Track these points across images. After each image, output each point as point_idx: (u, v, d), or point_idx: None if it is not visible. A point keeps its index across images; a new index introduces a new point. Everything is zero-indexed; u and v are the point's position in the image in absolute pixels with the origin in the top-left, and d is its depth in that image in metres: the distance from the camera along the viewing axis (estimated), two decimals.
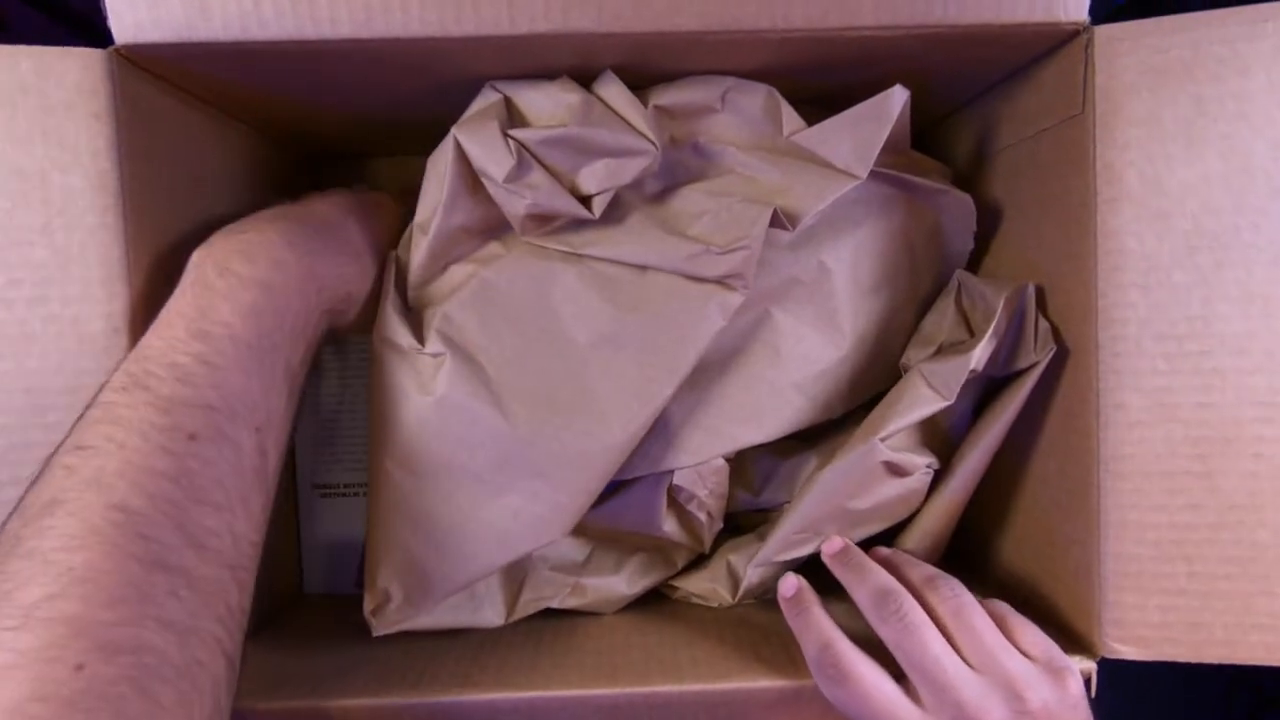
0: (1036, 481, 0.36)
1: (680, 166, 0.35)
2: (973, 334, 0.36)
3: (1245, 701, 0.48)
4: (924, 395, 0.34)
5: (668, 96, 0.34)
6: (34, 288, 0.29)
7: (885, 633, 0.30)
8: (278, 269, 0.29)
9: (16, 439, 0.29)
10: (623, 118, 0.33)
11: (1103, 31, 0.30)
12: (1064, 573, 0.34)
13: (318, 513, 0.45)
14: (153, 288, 0.31)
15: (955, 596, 0.30)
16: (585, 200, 0.33)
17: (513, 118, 0.33)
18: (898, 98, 0.33)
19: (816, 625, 0.31)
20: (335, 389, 0.45)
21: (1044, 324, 0.34)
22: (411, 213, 0.35)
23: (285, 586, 0.43)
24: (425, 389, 0.32)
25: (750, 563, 0.37)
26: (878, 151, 0.33)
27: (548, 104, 0.33)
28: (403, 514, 0.33)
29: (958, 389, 0.33)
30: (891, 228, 0.37)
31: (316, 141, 0.46)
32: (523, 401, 0.33)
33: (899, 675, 0.29)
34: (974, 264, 0.40)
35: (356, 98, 0.37)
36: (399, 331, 0.33)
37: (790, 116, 0.34)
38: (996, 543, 0.40)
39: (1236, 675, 0.33)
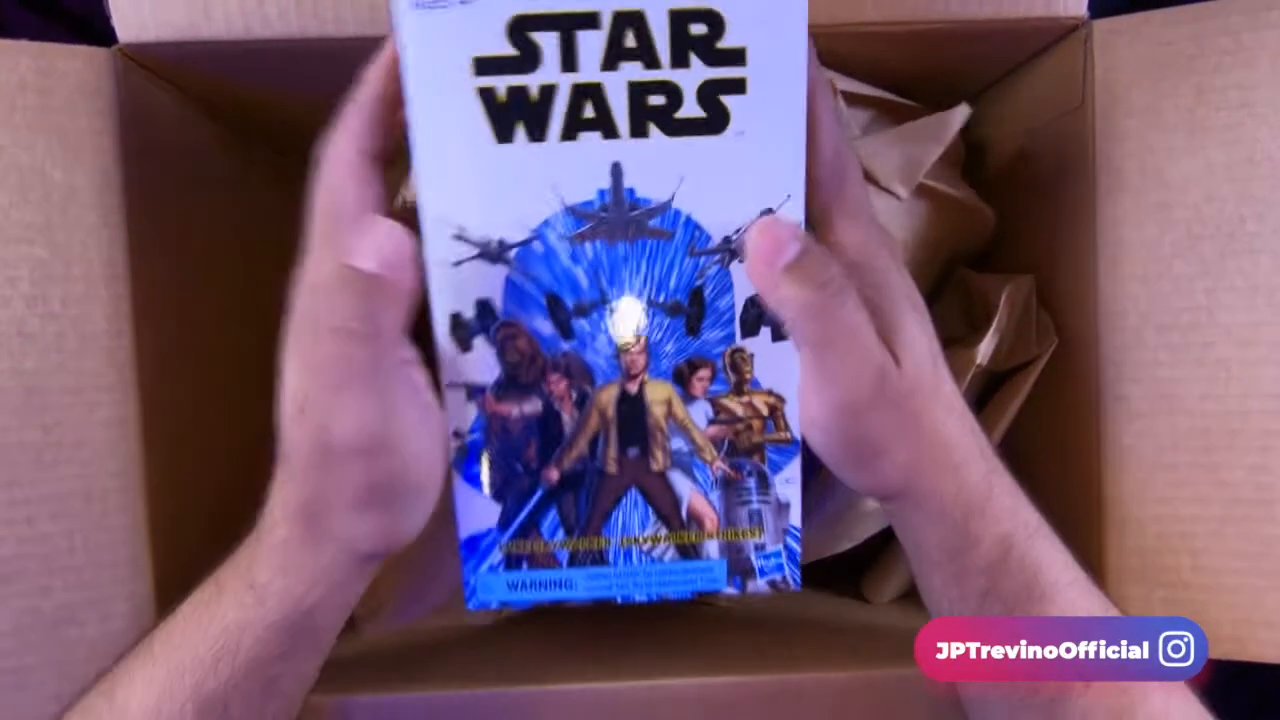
0: (1038, 474, 0.36)
1: None
2: (973, 330, 0.36)
3: (1244, 701, 0.47)
4: None
5: None
6: (32, 286, 0.29)
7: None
8: None
9: (12, 439, 0.29)
10: None
11: (1102, 25, 0.30)
12: None
13: None
14: (155, 287, 0.31)
15: None
16: None
17: None
18: (958, 118, 0.31)
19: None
20: None
21: (1045, 318, 0.34)
22: None
23: None
24: None
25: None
26: (925, 172, 0.31)
27: None
28: None
29: (964, 385, 0.33)
30: (928, 238, 0.36)
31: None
32: None
33: None
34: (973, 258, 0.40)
35: None
36: None
37: (845, 120, 0.31)
38: None
39: (1235, 674, 0.33)
